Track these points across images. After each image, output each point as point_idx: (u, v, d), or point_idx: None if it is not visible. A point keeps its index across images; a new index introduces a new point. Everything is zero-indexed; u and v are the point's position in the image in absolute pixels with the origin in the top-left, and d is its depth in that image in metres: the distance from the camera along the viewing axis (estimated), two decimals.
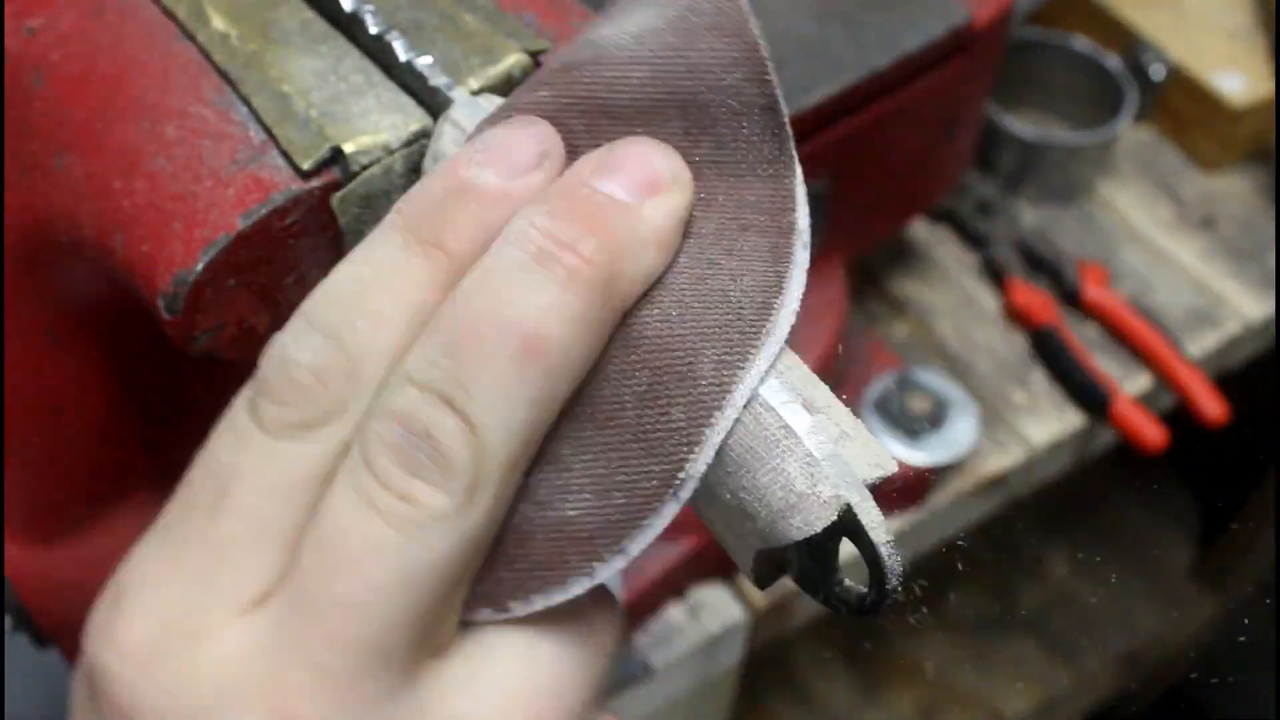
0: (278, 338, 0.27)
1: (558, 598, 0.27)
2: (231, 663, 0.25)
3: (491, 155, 0.27)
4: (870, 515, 0.28)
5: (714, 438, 0.27)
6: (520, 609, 0.27)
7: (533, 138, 0.28)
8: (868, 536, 0.27)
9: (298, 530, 0.25)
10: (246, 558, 0.25)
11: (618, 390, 0.27)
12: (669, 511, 0.27)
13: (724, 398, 0.27)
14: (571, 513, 0.27)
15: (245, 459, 0.26)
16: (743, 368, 0.28)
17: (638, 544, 0.27)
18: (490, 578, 0.27)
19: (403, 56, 0.37)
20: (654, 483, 0.27)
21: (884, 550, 0.27)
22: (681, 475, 0.27)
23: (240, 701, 0.24)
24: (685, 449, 0.27)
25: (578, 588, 0.27)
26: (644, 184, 0.27)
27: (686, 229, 0.28)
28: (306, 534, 0.25)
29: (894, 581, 0.28)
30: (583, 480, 0.27)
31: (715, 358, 0.27)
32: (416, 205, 0.27)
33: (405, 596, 0.24)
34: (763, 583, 0.30)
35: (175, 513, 0.27)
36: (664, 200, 0.27)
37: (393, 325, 0.26)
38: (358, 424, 0.26)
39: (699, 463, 0.27)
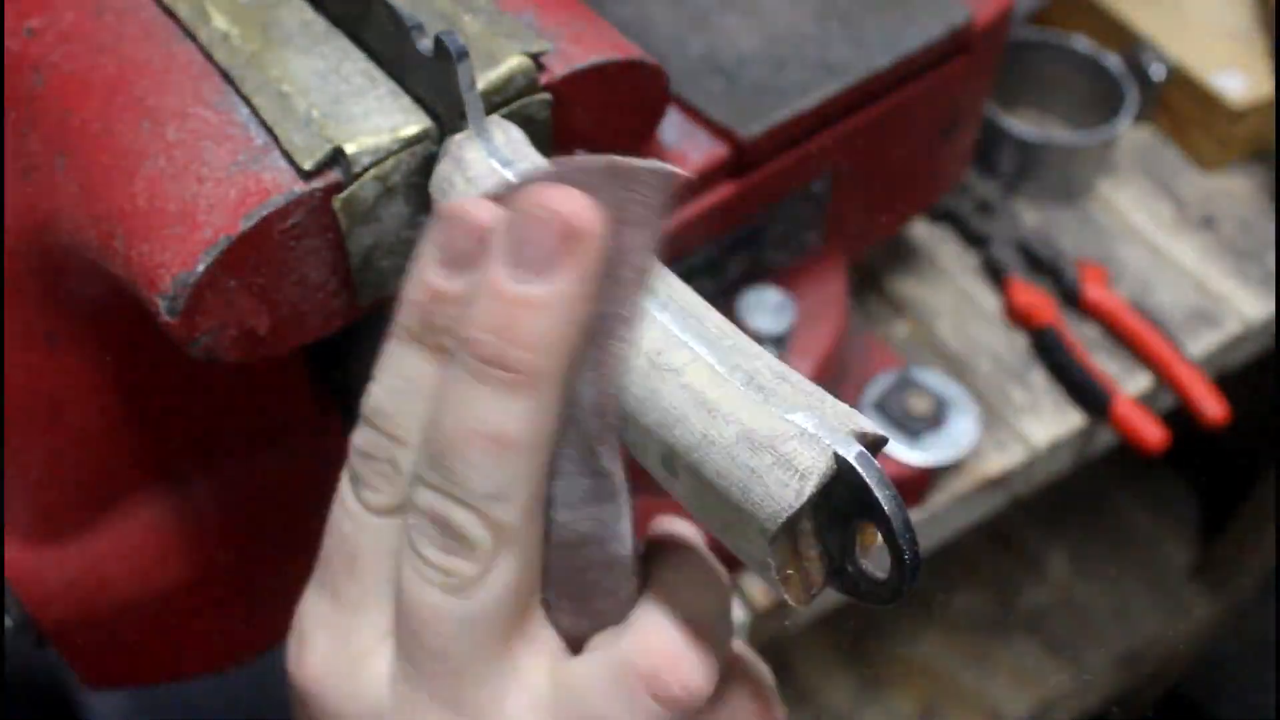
0: (357, 434, 0.33)
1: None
2: (382, 680, 0.33)
3: (446, 257, 0.31)
4: (871, 472, 0.28)
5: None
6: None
7: (471, 231, 0.31)
8: (873, 496, 0.27)
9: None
10: (378, 604, 0.34)
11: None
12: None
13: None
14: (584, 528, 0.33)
15: (363, 535, 0.34)
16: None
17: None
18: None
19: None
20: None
21: (890, 507, 0.27)
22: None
23: (390, 712, 0.33)
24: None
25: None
26: (558, 252, 0.30)
27: None
28: (397, 601, 0.33)
29: (909, 544, 0.27)
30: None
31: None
32: (411, 315, 0.32)
33: (473, 634, 0.32)
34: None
35: (323, 572, 0.35)
36: (578, 264, 0.30)
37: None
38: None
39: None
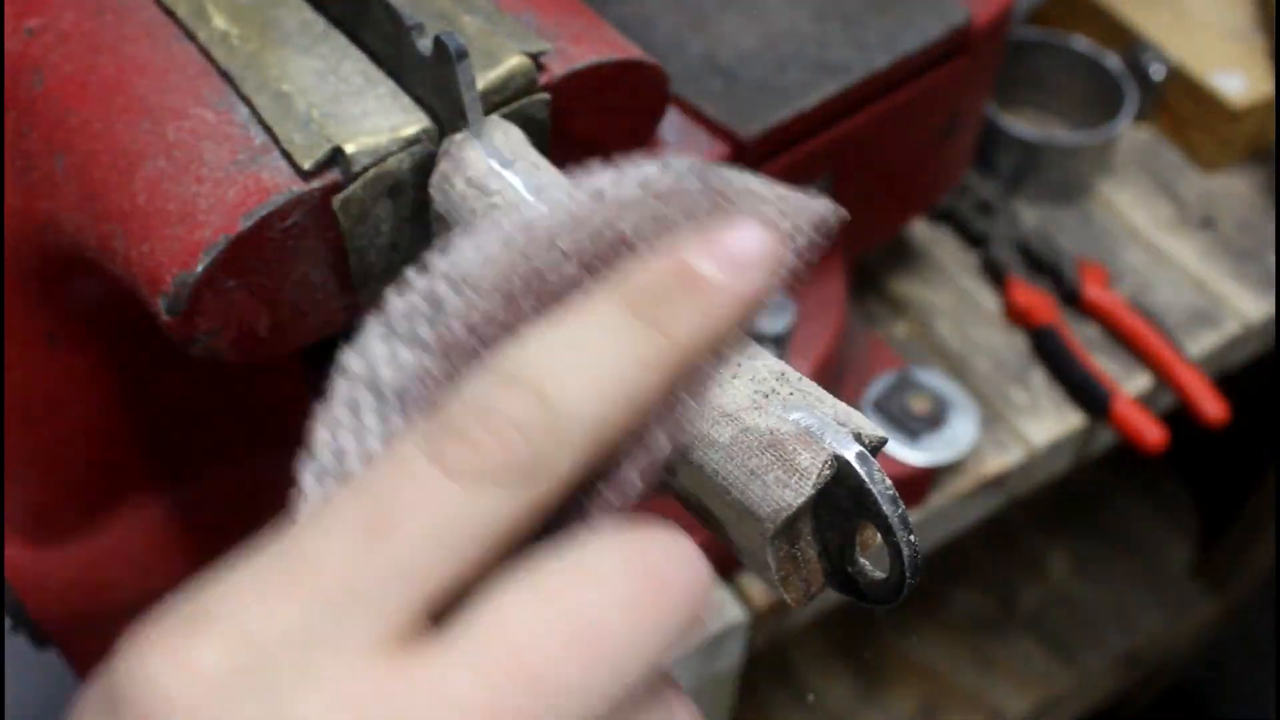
0: (474, 384, 0.25)
1: None
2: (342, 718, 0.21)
3: (715, 250, 0.28)
4: (870, 472, 0.28)
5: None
6: None
7: (754, 239, 0.28)
8: (872, 496, 0.27)
9: (446, 594, 0.23)
10: (393, 599, 0.22)
11: None
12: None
13: None
14: None
15: (423, 497, 0.23)
16: None
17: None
18: None
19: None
20: None
21: (889, 507, 0.27)
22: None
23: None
24: None
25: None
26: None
27: None
28: (469, 618, 0.23)
29: (908, 544, 0.27)
30: None
31: None
32: (639, 284, 0.27)
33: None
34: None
35: (302, 534, 0.24)
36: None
37: (606, 399, 0.25)
38: (547, 495, 0.24)
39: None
